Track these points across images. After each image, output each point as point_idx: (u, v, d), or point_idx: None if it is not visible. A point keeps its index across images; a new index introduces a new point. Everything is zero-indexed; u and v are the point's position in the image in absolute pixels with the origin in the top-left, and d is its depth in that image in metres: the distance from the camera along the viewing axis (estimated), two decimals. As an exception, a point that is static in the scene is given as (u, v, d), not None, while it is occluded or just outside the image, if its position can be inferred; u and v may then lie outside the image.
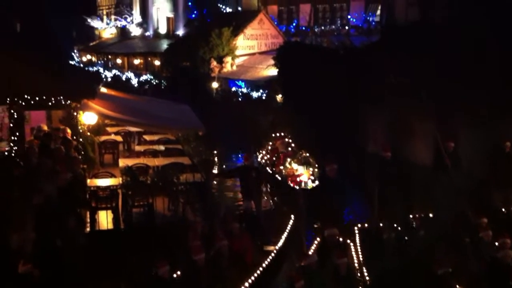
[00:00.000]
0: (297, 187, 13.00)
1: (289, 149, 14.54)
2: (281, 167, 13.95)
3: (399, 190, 11.79)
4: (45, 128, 14.81)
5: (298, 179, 13.23)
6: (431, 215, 10.74)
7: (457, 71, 17.46)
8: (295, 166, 13.55)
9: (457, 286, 7.92)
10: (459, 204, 10.86)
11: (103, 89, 16.18)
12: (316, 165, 13.45)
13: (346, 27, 29.19)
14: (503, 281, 7.81)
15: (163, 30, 40.63)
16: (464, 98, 16.54)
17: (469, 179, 12.78)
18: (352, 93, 19.16)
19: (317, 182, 13.13)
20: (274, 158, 14.68)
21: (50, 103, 13.70)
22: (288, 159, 13.77)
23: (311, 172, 13.35)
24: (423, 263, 8.28)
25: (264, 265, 9.03)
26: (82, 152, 13.76)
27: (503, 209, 11.38)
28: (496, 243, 8.86)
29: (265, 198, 12.27)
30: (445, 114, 16.18)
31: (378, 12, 28.84)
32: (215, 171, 14.39)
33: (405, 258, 8.58)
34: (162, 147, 15.38)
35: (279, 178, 13.68)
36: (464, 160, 13.58)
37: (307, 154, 13.66)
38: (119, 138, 16.62)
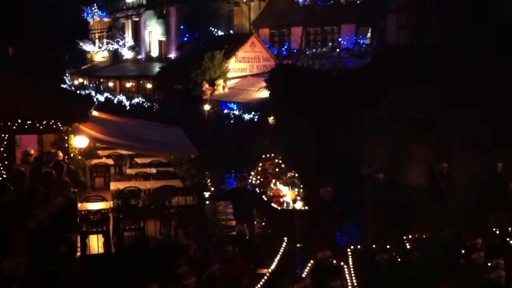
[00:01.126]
0: (290, 208, 13.00)
1: (277, 170, 14.58)
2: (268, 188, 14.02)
3: (393, 212, 11.79)
4: (32, 152, 14.70)
5: (281, 200, 13.29)
6: (425, 236, 10.71)
7: (451, 94, 17.70)
8: (280, 187, 13.61)
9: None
10: (453, 225, 10.84)
11: (95, 113, 16.14)
12: (302, 186, 13.54)
13: (338, 50, 29.40)
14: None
15: (155, 53, 40.77)
16: (459, 120, 16.74)
17: (463, 201, 12.77)
18: (345, 115, 19.28)
19: (300, 203, 13.18)
20: (262, 179, 14.71)
21: (41, 127, 13.63)
22: (273, 180, 13.84)
23: (296, 193, 13.41)
24: (418, 285, 8.20)
25: (257, 288, 8.93)
26: (74, 176, 13.65)
27: (497, 231, 11.38)
28: (489, 264, 8.83)
29: (258, 221, 12.20)
30: (440, 136, 16.32)
31: (369, 35, 29.11)
32: (207, 194, 14.32)
33: (399, 281, 8.50)
34: (153, 170, 15.31)
35: (266, 199, 13.70)
36: (459, 181, 13.62)
37: (295, 175, 13.72)
38: (110, 161, 16.55)
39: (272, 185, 13.71)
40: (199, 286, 8.44)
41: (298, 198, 13.28)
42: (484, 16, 20.05)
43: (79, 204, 12.00)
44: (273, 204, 13.24)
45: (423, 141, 15.97)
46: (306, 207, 13.07)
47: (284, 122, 21.42)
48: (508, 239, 10.96)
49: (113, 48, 45.09)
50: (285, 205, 13.20)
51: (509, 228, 11.45)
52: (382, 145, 17.20)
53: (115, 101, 35.97)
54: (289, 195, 13.25)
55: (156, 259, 9.96)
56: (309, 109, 20.24)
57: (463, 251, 9.84)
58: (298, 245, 10.63)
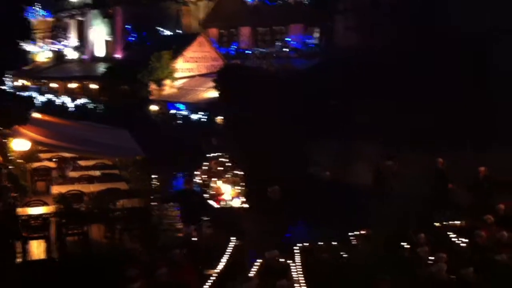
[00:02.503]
0: (227, 206, 13.05)
1: (221, 168, 14.57)
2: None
3: (339, 209, 11.92)
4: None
5: (220, 198, 13.33)
6: (370, 232, 10.87)
7: (397, 95, 18.11)
8: (222, 185, 13.65)
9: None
10: (399, 221, 11.06)
11: (37, 115, 15.66)
12: (244, 185, 13.61)
13: (286, 50, 29.57)
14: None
15: (100, 53, 39.99)
16: (405, 121, 17.15)
17: (409, 197, 13.11)
18: (294, 115, 19.40)
19: (239, 201, 13.23)
20: (206, 178, 14.68)
21: (-23, 131, 13.11)
22: (214, 179, 13.87)
23: (238, 191, 13.46)
24: (363, 281, 8.31)
25: (204, 289, 8.83)
26: (13, 180, 13.21)
27: (440, 225, 11.66)
28: (432, 258, 9.03)
29: (205, 222, 12.11)
30: (387, 137, 16.67)
31: (317, 35, 29.39)
32: (154, 196, 14.10)
33: (344, 277, 8.59)
34: (98, 173, 15.00)
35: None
36: (405, 179, 13.94)
37: (238, 173, 13.78)
38: (52, 165, 16.11)
39: (212, 184, 13.73)
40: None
41: (239, 197, 13.34)
42: (434, 20, 20.60)
43: (19, 209, 11.62)
44: (212, 202, 13.22)
45: (370, 141, 16.26)
46: (245, 205, 13.15)
47: (231, 122, 21.38)
48: (450, 233, 11.25)
49: (56, 48, 44.00)
50: (223, 203, 13.26)
51: (451, 222, 11.75)
52: (331, 144, 17.40)
53: (59, 103, 35.05)
54: (228, 194, 13.30)
55: (101, 264, 9.72)
56: (257, 109, 20.26)
57: (407, 246, 10.03)
58: (245, 245, 10.59)
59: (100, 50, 40.13)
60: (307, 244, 10.36)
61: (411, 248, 9.88)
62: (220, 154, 15.48)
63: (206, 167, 15.39)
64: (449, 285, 8.32)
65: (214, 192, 13.65)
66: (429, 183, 13.48)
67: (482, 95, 17.93)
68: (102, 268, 9.42)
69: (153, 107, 27.44)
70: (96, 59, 39.76)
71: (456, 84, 18.35)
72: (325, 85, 20.41)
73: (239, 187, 13.71)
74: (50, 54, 45.50)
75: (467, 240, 10.59)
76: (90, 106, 31.88)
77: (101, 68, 35.10)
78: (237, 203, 13.33)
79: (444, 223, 11.67)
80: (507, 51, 17.91)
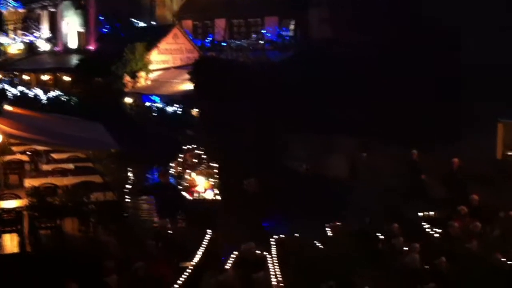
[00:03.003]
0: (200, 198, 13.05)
1: (195, 160, 14.53)
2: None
3: (315, 201, 11.99)
4: None
5: (194, 190, 13.32)
6: (346, 224, 10.96)
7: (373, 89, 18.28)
8: (196, 177, 13.63)
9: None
10: (373, 212, 11.17)
11: (8, 107, 15.42)
12: (218, 177, 13.61)
13: (261, 42, 29.52)
14: (411, 286, 8.00)
15: (73, 45, 39.41)
16: (381, 115, 17.33)
17: (384, 189, 13.26)
18: (270, 108, 19.41)
19: (212, 193, 13.23)
20: (181, 170, 14.63)
21: None
22: (188, 171, 13.84)
23: (212, 183, 13.46)
24: (339, 271, 8.37)
25: (179, 281, 8.79)
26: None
27: (413, 217, 11.81)
28: (406, 248, 9.14)
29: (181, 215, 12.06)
30: (362, 130, 16.81)
31: (292, 27, 29.39)
32: (129, 189, 14.00)
33: (321, 268, 8.64)
34: (71, 166, 14.82)
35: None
36: (380, 171, 14.08)
37: (213, 165, 13.77)
38: (25, 158, 15.86)
39: (187, 176, 13.69)
40: (121, 283, 8.23)
41: (213, 189, 13.34)
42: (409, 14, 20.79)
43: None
44: (185, 194, 13.18)
45: (347, 134, 16.38)
46: (218, 197, 13.16)
47: (207, 114, 21.31)
48: (424, 224, 11.41)
49: (28, 40, 43.23)
50: (196, 195, 13.25)
51: (425, 213, 11.91)
52: (307, 138, 17.47)
53: (31, 95, 34.46)
54: (201, 185, 13.29)
55: (75, 257, 9.62)
56: (233, 101, 20.21)
57: (382, 237, 10.14)
58: (220, 237, 10.59)
59: (72, 42, 39.57)
60: (283, 236, 10.39)
61: (386, 239, 9.99)
62: (195, 146, 15.41)
63: (181, 159, 15.32)
64: (422, 275, 8.43)
65: (188, 184, 13.60)
66: (403, 175, 13.63)
67: (456, 89, 18.22)
68: (76, 261, 9.33)
69: (128, 100, 27.16)
70: (69, 51, 39.17)
71: (430, 78, 18.60)
72: (299, 78, 20.46)
73: (213, 179, 13.68)
74: (22, 46, 44.69)
75: (440, 231, 10.75)
76: (63, 98, 31.41)
77: (74, 60, 34.58)
78: (210, 195, 13.32)
79: (419, 214, 11.82)
80: (481, 45, 18.18)
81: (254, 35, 30.18)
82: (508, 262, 8.89)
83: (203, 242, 10.23)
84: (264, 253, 9.62)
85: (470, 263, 8.98)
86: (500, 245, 9.67)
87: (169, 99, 25.54)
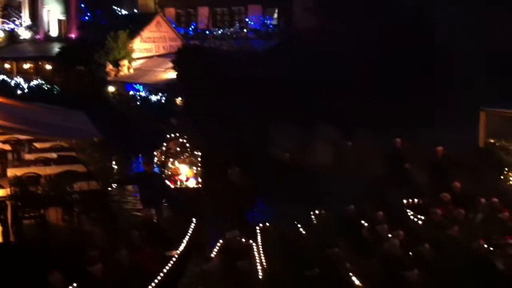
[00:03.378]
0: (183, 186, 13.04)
1: (179, 149, 14.47)
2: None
3: (299, 189, 12.03)
4: None
5: (176, 178, 13.31)
6: (330, 211, 11.02)
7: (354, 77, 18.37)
8: (179, 166, 13.62)
9: (358, 282, 8.10)
10: (358, 200, 11.24)
11: (-11, 96, 15.17)
12: (200, 165, 13.61)
13: (245, 30, 29.41)
14: (394, 272, 8.06)
15: (54, 33, 38.90)
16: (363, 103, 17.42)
17: (368, 177, 13.34)
18: (253, 98, 19.42)
19: (194, 181, 13.22)
20: (164, 159, 14.58)
21: None
22: (171, 159, 13.81)
23: (195, 172, 13.45)
24: (323, 260, 8.42)
25: (164, 270, 8.78)
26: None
27: (397, 204, 11.91)
28: (390, 236, 9.22)
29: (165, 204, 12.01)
30: (347, 119, 16.90)
31: (275, 15, 29.31)
32: (113, 178, 13.92)
33: (305, 255, 8.67)
34: (54, 155, 14.67)
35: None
36: (364, 159, 14.15)
37: (196, 154, 13.76)
38: (7, 147, 15.66)
39: (170, 164, 13.66)
40: (106, 272, 8.19)
41: (196, 177, 13.35)
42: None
43: (-27, 193, 11.30)
44: (168, 183, 13.16)
45: (330, 123, 16.42)
46: (201, 186, 13.13)
47: (190, 102, 21.24)
48: (407, 211, 11.51)
49: (8, 28, 42.54)
50: (178, 183, 13.23)
51: (409, 201, 12.02)
52: (290, 126, 17.49)
53: (12, 84, 34.00)
54: (184, 174, 13.29)
55: (59, 247, 9.57)
56: (216, 90, 20.15)
57: (366, 224, 10.21)
58: (204, 225, 10.59)
59: (54, 30, 39.06)
60: (268, 224, 10.42)
61: (370, 225, 10.06)
62: (179, 134, 15.34)
63: (165, 148, 15.25)
64: (406, 261, 8.50)
65: (171, 173, 13.57)
66: (387, 163, 13.71)
67: (439, 78, 18.37)
68: (60, 251, 9.28)
69: (111, 88, 26.94)
70: (50, 39, 38.67)
71: (414, 67, 18.73)
72: (283, 67, 20.47)
73: (196, 168, 13.66)
74: (2, 34, 44.00)
75: (424, 218, 10.86)
76: (45, 87, 31.04)
77: (56, 48, 34.17)
78: (192, 183, 13.31)
79: (403, 201, 11.92)
80: (454, 30, 18.38)
81: (237, 24, 30.07)
82: (490, 248, 9.01)
83: (188, 231, 10.21)
84: (249, 241, 9.64)
85: (453, 249, 9.08)
86: (482, 231, 9.80)
87: (152, 88, 25.41)
